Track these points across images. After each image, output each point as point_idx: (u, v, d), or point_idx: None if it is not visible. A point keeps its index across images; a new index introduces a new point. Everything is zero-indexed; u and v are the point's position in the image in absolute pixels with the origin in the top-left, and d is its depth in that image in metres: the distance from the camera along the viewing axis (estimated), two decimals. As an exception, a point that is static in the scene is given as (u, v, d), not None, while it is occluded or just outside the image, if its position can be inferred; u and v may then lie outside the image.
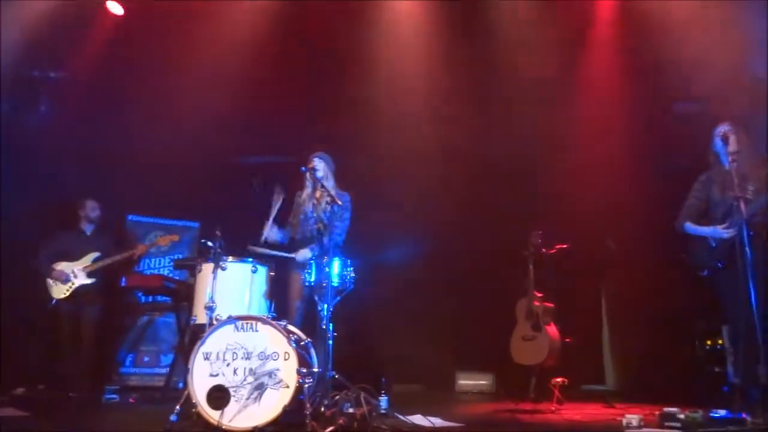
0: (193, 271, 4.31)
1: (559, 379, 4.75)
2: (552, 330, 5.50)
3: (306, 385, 3.43)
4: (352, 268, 4.03)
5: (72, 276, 5.29)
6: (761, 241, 3.51)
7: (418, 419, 3.69)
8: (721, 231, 3.77)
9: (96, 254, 5.41)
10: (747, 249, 3.32)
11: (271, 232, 4.38)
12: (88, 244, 5.48)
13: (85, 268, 5.34)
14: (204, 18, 5.83)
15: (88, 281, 5.33)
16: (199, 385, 3.42)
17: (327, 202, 4.22)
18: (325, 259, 3.95)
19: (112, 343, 6.11)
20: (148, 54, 5.98)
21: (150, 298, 6.26)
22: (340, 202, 4.23)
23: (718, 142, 3.85)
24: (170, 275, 6.12)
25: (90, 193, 5.67)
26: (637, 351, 6.10)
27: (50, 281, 5.27)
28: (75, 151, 6.07)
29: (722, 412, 3.46)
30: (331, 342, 3.81)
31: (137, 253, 5.54)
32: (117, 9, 5.93)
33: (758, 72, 5.17)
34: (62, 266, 5.30)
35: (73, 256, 5.36)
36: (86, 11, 5.77)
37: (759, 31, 5.07)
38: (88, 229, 5.59)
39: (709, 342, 5.91)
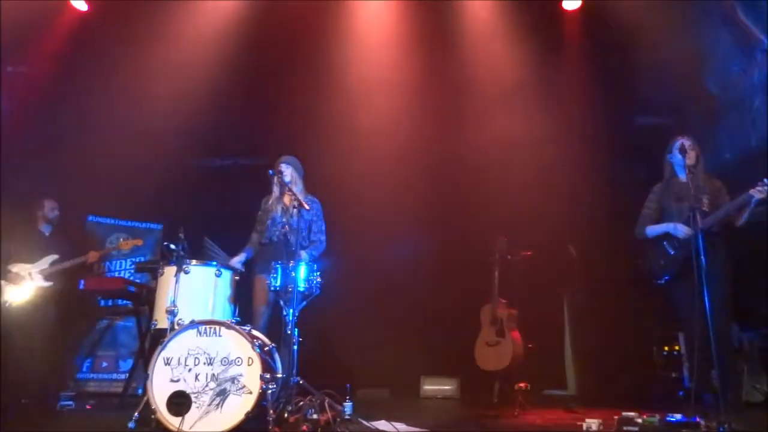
0: (154, 274, 4.23)
1: (522, 385, 4.81)
2: (516, 336, 5.58)
3: (269, 391, 3.39)
4: (318, 273, 4.01)
5: (28, 279, 5.11)
6: (716, 252, 3.63)
7: (382, 425, 3.69)
8: (680, 226, 3.89)
9: (54, 257, 5.25)
10: (702, 258, 3.43)
11: (235, 263, 4.39)
12: (46, 245, 5.31)
13: (42, 271, 5.17)
14: (169, 18, 5.74)
15: (45, 284, 5.16)
16: (159, 391, 3.35)
17: (294, 207, 4.19)
18: (291, 263, 3.92)
19: (69, 348, 5.92)
20: (111, 52, 5.86)
21: (109, 302, 6.09)
22: (307, 207, 4.21)
23: (676, 153, 3.96)
24: (131, 278, 5.98)
25: (48, 192, 5.50)
26: (597, 356, 6.23)
27: (4, 283, 5.08)
28: (32, 148, 5.89)
29: (678, 416, 3.57)
30: (296, 347, 3.78)
31: (90, 259, 5.35)
32: (81, 5, 5.80)
33: (710, 87, 5.38)
34: (18, 268, 5.12)
35: (30, 258, 5.19)
36: (50, 6, 5.62)
37: (711, 47, 5.28)
38: (46, 229, 5.42)
39: (666, 348, 6.09)
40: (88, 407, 5.04)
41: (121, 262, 6.34)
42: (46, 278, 5.17)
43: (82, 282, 5.47)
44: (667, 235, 4.04)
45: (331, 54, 6.06)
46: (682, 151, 3.87)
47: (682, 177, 3.95)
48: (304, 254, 4.29)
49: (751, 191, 3.62)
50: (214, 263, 3.99)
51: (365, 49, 6.04)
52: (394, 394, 6.31)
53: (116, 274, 6.20)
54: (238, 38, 5.85)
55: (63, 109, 6.03)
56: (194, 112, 6.00)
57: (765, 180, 3.58)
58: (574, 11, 5.94)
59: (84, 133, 6.03)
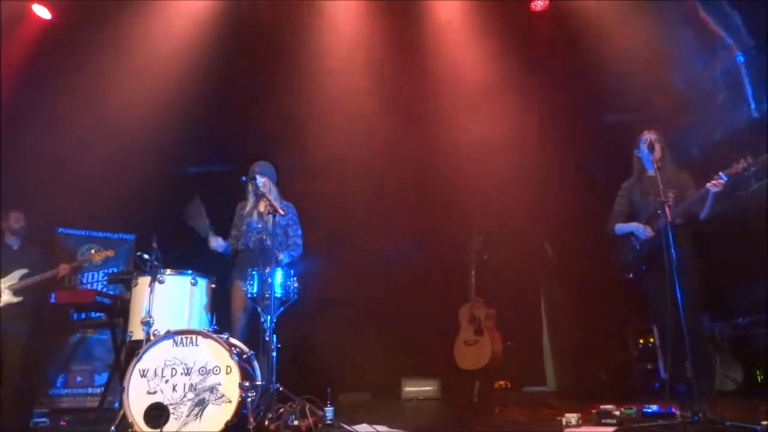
0: (128, 285, 4.16)
1: (501, 383, 4.85)
2: (494, 334, 5.62)
3: (249, 399, 3.36)
4: (295, 278, 3.99)
5: (-4, 294, 4.98)
6: (683, 244, 3.69)
7: (364, 428, 3.69)
8: (642, 229, 3.97)
9: (23, 271, 5.12)
10: (672, 251, 3.49)
11: (215, 241, 4.34)
12: (15, 259, 5.17)
13: (11, 286, 5.04)
14: (137, 24, 5.65)
15: (15, 300, 5.03)
16: (136, 404, 3.30)
17: (269, 212, 4.16)
18: (268, 270, 3.89)
19: (42, 364, 5.78)
20: (79, 60, 5.75)
21: (82, 315, 5.97)
22: (282, 212, 4.19)
23: (644, 149, 4.03)
24: (104, 290, 5.86)
25: (15, 204, 5.37)
26: (574, 351, 6.31)
27: (-28, 300, 4.94)
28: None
29: (654, 407, 3.64)
30: (275, 354, 3.76)
31: (61, 273, 5.23)
32: (44, 13, 5.68)
33: (677, 82, 5.50)
34: (-15, 284, 4.98)
35: (-2, 273, 5.05)
36: (12, 13, 5.49)
37: (675, 45, 5.40)
38: (14, 243, 5.28)
39: (641, 341, 6.20)
40: (62, 423, 4.93)
41: (93, 274, 6.22)
42: (16, 293, 5.05)
43: (53, 295, 5.34)
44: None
45: (303, 58, 6.03)
46: (650, 146, 3.94)
47: (651, 171, 4.01)
48: (282, 255, 4.27)
49: (708, 185, 3.69)
50: (190, 272, 3.94)
51: (337, 52, 6.03)
52: (375, 397, 6.32)
53: (88, 286, 6.08)
54: (209, 44, 5.78)
55: (30, 119, 5.90)
56: (166, 119, 5.92)
57: (720, 173, 3.65)
58: (541, 11, 6.01)
59: (52, 143, 5.90)
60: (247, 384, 3.37)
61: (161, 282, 3.78)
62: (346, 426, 3.66)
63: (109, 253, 5.49)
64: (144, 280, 3.81)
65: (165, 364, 3.38)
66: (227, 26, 5.74)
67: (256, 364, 3.76)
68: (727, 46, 5.34)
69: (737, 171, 3.62)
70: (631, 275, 4.06)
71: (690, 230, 3.89)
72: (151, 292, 3.70)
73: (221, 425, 3.25)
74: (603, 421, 3.63)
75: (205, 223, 4.32)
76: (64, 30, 5.73)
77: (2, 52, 5.58)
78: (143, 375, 3.36)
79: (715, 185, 3.65)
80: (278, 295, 3.87)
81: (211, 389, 3.34)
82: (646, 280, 3.97)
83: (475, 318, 5.63)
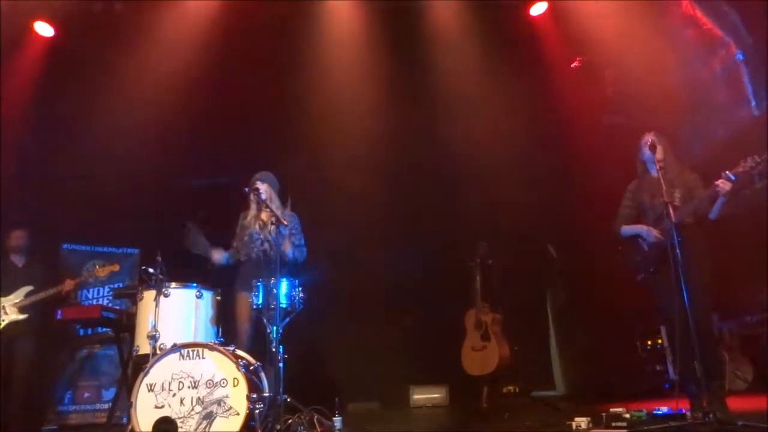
0: (134, 299, 4.16)
1: (510, 388, 4.82)
2: (501, 339, 5.60)
3: (257, 411, 3.35)
4: (300, 288, 3.99)
5: (2, 312, 4.98)
6: (692, 243, 3.67)
7: (373, 437, 3.67)
8: (647, 231, 3.95)
9: (29, 288, 5.12)
10: (678, 252, 3.47)
11: (216, 254, 4.34)
12: (19, 277, 5.18)
13: (16, 303, 5.05)
14: (139, 41, 5.68)
15: (20, 317, 5.03)
16: (144, 419, 3.29)
17: (272, 223, 4.16)
18: (273, 280, 3.89)
19: (49, 381, 5.77)
20: (82, 75, 5.79)
21: (89, 331, 5.96)
22: (285, 223, 4.18)
23: (645, 151, 4.01)
24: (110, 305, 5.86)
25: (19, 220, 5.38)
26: (582, 354, 6.28)
27: (-23, 319, 4.94)
28: (3, 176, 5.78)
29: (664, 409, 3.61)
30: (282, 364, 3.75)
31: (65, 288, 5.22)
32: (46, 30, 5.72)
33: (678, 81, 5.49)
34: (-9, 303, 4.99)
35: (3, 291, 5.05)
36: (13, 32, 5.54)
37: (674, 45, 5.40)
38: (19, 260, 5.29)
39: (649, 342, 6.17)
40: (71, 440, 4.93)
41: (99, 290, 6.22)
42: (21, 310, 5.05)
43: (59, 312, 5.34)
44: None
45: (303, 68, 6.05)
46: (651, 147, 3.92)
47: (654, 173, 4.00)
48: (288, 246, 4.25)
49: (715, 184, 3.66)
50: (194, 284, 3.94)
51: (338, 59, 6.03)
52: (383, 405, 6.29)
53: (94, 302, 6.08)
54: (210, 57, 5.80)
55: (33, 135, 5.93)
56: (168, 132, 5.94)
57: (728, 173, 3.61)
58: (540, 15, 6.02)
59: (55, 160, 5.94)
60: (254, 396, 3.35)
61: (166, 295, 3.77)
62: (355, 435, 3.65)
63: (113, 267, 5.50)
64: (149, 294, 3.81)
65: (172, 378, 3.38)
66: (229, 43, 5.76)
67: (263, 375, 3.75)
68: (725, 45, 5.34)
69: (745, 170, 3.57)
70: (640, 276, 4.03)
71: (701, 229, 3.85)
72: (156, 305, 3.70)
73: (230, 438, 3.23)
74: (613, 423, 3.60)
75: (205, 244, 4.34)
76: (66, 47, 5.77)
77: (5, 69, 5.63)
78: (151, 389, 3.36)
79: (723, 185, 3.61)
80: (284, 306, 3.86)
81: (219, 402, 3.33)
82: (655, 281, 3.94)
83: (481, 323, 5.61)
